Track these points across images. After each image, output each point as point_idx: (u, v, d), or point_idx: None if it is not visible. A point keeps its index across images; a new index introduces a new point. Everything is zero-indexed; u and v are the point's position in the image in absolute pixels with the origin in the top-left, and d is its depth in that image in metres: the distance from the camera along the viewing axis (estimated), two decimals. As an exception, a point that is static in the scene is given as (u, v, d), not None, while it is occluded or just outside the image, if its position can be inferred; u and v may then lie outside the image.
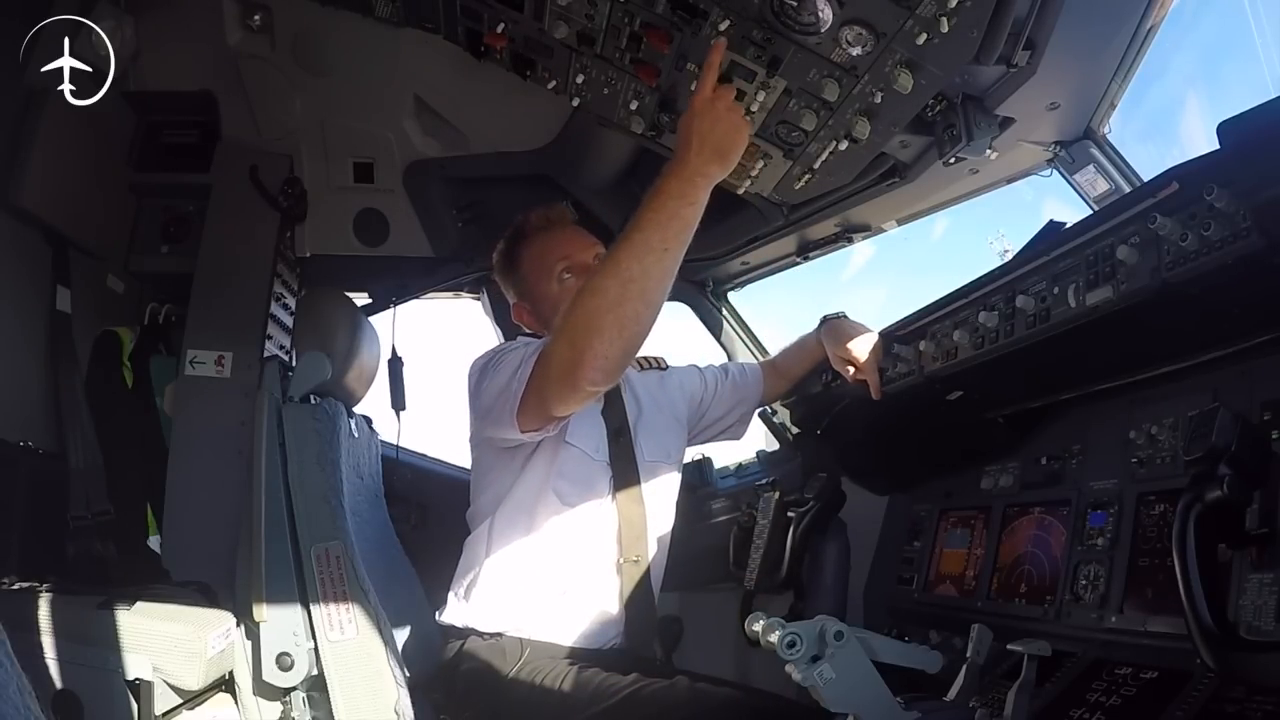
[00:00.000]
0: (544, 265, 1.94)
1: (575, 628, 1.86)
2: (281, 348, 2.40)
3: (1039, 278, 1.51)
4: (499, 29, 2.18)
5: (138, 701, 1.72)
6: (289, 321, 2.47)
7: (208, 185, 2.38)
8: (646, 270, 1.44)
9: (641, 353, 2.12)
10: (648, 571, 1.93)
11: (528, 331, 2.05)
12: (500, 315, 2.99)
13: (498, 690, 1.77)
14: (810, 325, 2.28)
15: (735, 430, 2.27)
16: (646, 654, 1.95)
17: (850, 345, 2.04)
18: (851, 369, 2.04)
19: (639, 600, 1.91)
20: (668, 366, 2.21)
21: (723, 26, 1.79)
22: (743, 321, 2.94)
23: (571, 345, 1.48)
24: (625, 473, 1.92)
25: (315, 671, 1.95)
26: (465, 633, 1.86)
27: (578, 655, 1.83)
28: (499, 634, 1.82)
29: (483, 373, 1.78)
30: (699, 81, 1.51)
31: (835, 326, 2.15)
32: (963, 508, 2.03)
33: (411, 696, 1.96)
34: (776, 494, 2.06)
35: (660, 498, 2.01)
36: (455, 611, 1.90)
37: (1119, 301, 1.32)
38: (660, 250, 1.43)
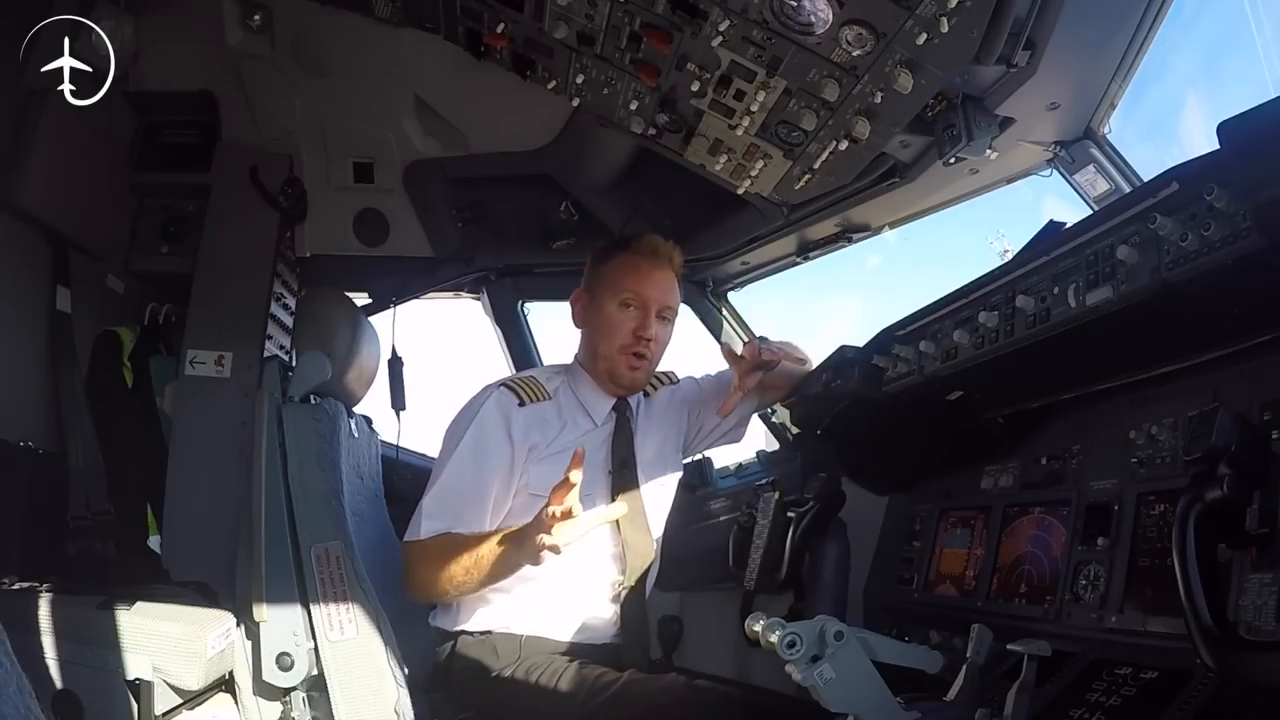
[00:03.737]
0: (617, 284, 1.99)
1: (570, 625, 1.87)
2: (281, 348, 2.40)
3: (1039, 278, 1.51)
4: (499, 29, 2.19)
5: (138, 701, 1.73)
6: (289, 321, 2.47)
7: (208, 185, 2.38)
8: (460, 587, 1.78)
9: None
10: (643, 577, 1.94)
11: (579, 316, 2.08)
12: (500, 315, 2.99)
13: (492, 688, 1.77)
14: (810, 324, 2.27)
15: (734, 434, 2.28)
16: (642, 652, 1.95)
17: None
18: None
19: (631, 602, 1.92)
20: (679, 380, 2.22)
21: (723, 26, 1.79)
22: (743, 322, 2.94)
23: (412, 587, 1.88)
24: (629, 504, 1.90)
25: (315, 671, 1.95)
26: (456, 632, 1.86)
27: (574, 651, 1.83)
28: (488, 632, 1.83)
29: (441, 451, 1.97)
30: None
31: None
32: (963, 508, 2.03)
33: (411, 697, 1.96)
34: (776, 494, 2.06)
35: (659, 513, 2.03)
36: (446, 613, 1.90)
37: (1119, 301, 1.32)
38: (473, 581, 1.76)
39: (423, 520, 1.84)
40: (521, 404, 1.92)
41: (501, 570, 1.70)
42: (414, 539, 1.84)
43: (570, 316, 2.10)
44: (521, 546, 1.61)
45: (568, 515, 1.49)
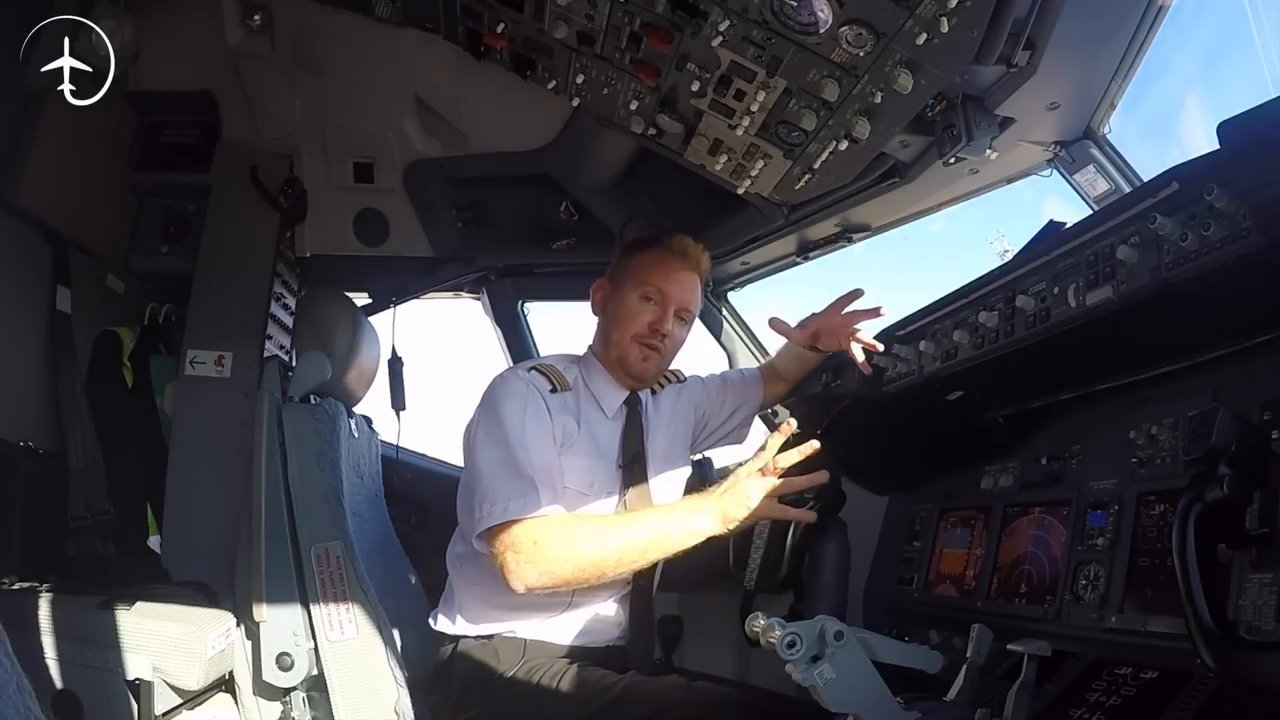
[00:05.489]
0: (641, 276, 1.98)
1: (573, 628, 1.87)
2: (281, 348, 2.40)
3: (1039, 278, 1.51)
4: (499, 29, 2.19)
5: (138, 701, 1.73)
6: (289, 321, 2.48)
7: (208, 185, 2.39)
8: (623, 565, 1.66)
9: None
10: (650, 578, 1.94)
11: (598, 304, 2.06)
12: (500, 315, 2.99)
13: (494, 691, 1.77)
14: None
15: (737, 435, 2.29)
16: (646, 653, 1.95)
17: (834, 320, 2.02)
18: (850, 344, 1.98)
19: (639, 602, 1.92)
20: (686, 379, 2.22)
21: (723, 26, 1.79)
22: (743, 321, 2.94)
23: (540, 572, 1.62)
24: (637, 501, 1.91)
25: (315, 671, 1.96)
26: (458, 635, 1.85)
27: (576, 654, 1.83)
28: (492, 635, 1.82)
29: (480, 429, 1.80)
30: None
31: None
32: (963, 508, 2.03)
33: (411, 697, 1.96)
34: (776, 494, 2.06)
35: None
36: (448, 616, 1.89)
37: (1119, 301, 1.32)
38: (643, 559, 1.66)
39: (539, 494, 1.66)
40: (554, 390, 1.89)
41: (676, 547, 1.67)
42: (527, 515, 1.64)
43: (590, 305, 2.09)
44: (715, 518, 1.65)
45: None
